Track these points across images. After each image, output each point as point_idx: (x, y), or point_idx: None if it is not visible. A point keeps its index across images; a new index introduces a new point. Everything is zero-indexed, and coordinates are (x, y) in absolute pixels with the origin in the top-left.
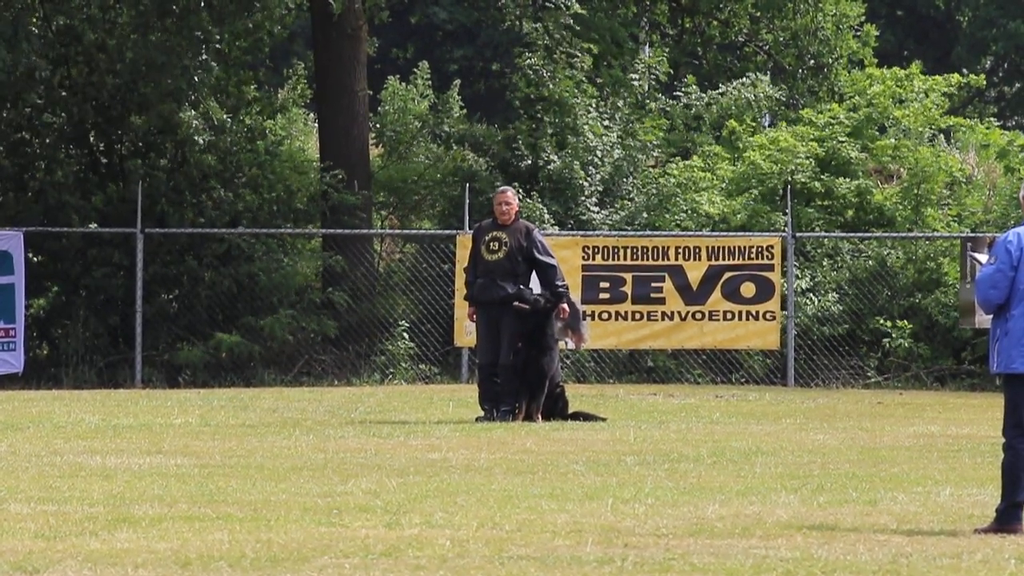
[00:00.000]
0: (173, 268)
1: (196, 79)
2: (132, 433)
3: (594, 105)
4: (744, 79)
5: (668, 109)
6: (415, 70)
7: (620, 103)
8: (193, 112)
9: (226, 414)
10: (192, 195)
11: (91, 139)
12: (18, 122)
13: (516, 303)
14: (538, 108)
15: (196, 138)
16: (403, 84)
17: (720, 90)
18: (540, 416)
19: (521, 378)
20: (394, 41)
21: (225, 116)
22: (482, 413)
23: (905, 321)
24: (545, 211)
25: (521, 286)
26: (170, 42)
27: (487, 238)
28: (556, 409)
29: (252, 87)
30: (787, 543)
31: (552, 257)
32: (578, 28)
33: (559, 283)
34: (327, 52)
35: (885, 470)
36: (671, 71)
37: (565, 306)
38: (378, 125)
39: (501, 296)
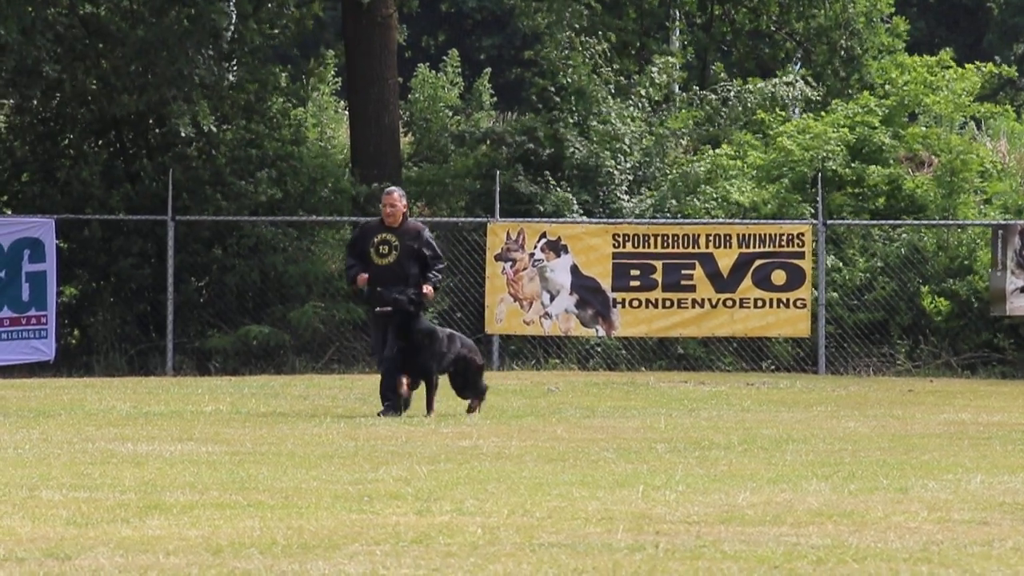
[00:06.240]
0: (201, 257)
1: (196, 72)
2: (163, 420)
3: (613, 91)
4: (776, 79)
5: (699, 99)
6: (445, 58)
7: (642, 91)
8: (184, 105)
9: (257, 402)
10: (218, 184)
11: (119, 128)
12: (46, 112)
13: (378, 308)
14: (557, 99)
15: (184, 127)
16: (433, 72)
17: (750, 86)
18: (431, 410)
19: (412, 375)
20: (424, 29)
21: (213, 124)
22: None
23: (936, 308)
24: (575, 201)
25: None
26: (182, 28)
27: (376, 240)
28: (473, 391)
29: (283, 75)
30: (818, 531)
31: (441, 258)
32: (599, 15)
33: (438, 268)
34: (357, 40)
35: (916, 458)
36: (691, 59)
37: (430, 289)
38: (408, 113)
39: (391, 311)
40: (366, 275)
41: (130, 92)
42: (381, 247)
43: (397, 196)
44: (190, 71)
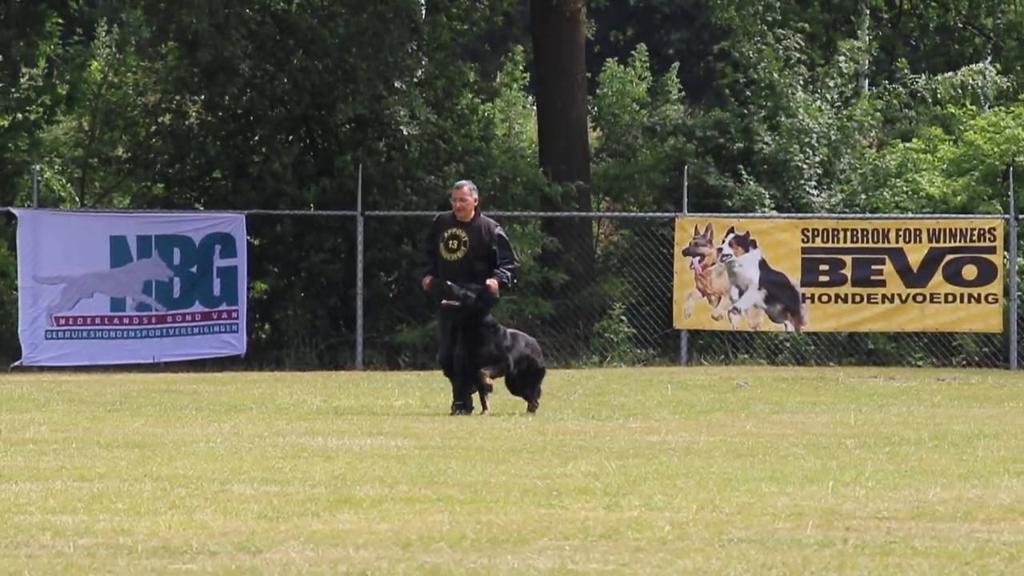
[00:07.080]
0: (390, 252)
1: (406, 63)
2: (353, 415)
3: (802, 84)
4: (971, 67)
5: (888, 91)
6: (633, 52)
7: (830, 82)
8: (396, 97)
9: (446, 396)
10: (405, 181)
11: (308, 125)
12: (237, 108)
13: (444, 300)
14: (747, 93)
15: (407, 126)
16: (621, 66)
17: (944, 75)
18: (486, 407)
19: (470, 373)
20: (613, 23)
21: (429, 113)
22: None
23: None
24: (766, 195)
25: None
26: (382, 18)
27: (446, 235)
28: (531, 391)
29: (470, 71)
30: (1010, 527)
31: (512, 259)
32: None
33: (509, 267)
34: (546, 36)
35: None
36: (879, 54)
37: (494, 282)
38: (596, 107)
39: (457, 306)
40: (429, 279)
41: (342, 96)
42: (451, 242)
43: (467, 190)
44: (401, 63)
